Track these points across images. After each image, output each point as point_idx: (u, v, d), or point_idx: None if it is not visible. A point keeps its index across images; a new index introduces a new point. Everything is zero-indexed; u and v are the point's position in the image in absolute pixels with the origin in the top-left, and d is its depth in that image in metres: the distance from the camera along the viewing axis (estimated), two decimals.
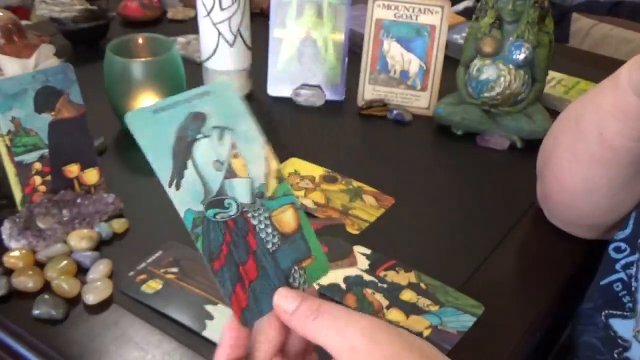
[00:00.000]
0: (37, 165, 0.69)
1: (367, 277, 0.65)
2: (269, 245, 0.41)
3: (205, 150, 0.41)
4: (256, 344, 0.39)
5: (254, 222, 0.41)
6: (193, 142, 0.41)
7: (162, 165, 0.40)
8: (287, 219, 0.42)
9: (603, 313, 0.60)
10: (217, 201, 0.41)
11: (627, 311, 0.59)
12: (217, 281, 0.40)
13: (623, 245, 0.61)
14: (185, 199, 0.40)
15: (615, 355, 0.59)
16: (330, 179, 0.80)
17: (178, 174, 0.40)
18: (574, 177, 0.66)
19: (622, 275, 0.60)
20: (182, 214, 0.40)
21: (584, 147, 0.63)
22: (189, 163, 0.40)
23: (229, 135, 0.42)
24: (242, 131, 0.42)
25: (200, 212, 0.40)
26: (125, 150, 0.86)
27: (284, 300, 0.39)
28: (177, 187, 0.40)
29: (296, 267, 0.42)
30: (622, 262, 0.60)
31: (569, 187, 0.67)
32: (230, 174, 0.41)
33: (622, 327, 0.59)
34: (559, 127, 0.69)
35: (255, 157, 0.42)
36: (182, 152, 0.40)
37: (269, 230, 0.42)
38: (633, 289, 0.58)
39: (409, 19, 0.93)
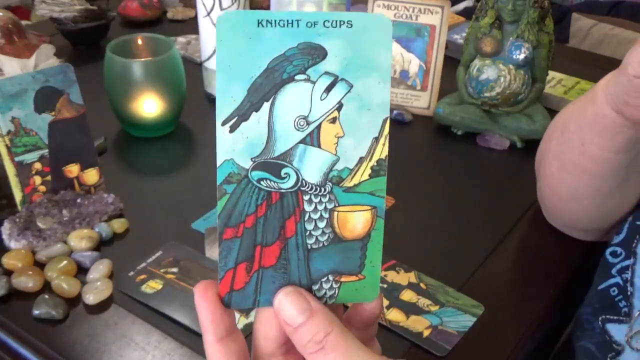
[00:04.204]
0: (37, 165, 0.69)
1: None
2: (311, 241, 0.32)
3: (296, 98, 0.31)
4: (256, 335, 0.33)
5: (308, 207, 0.32)
6: (287, 81, 0.30)
7: (228, 96, 0.30)
8: (355, 222, 0.33)
9: (600, 318, 0.60)
10: (273, 165, 0.31)
11: (623, 316, 0.58)
12: (220, 250, 0.32)
13: (619, 249, 0.61)
14: (234, 147, 0.31)
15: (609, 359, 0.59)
16: None
17: (243, 114, 0.30)
18: (562, 184, 0.66)
19: (618, 279, 0.60)
20: (219, 162, 0.31)
21: (569, 156, 0.64)
22: (265, 106, 0.30)
23: (342, 90, 0.31)
24: (364, 92, 0.31)
25: (243, 168, 0.31)
26: (125, 150, 0.86)
27: (289, 306, 0.31)
28: (232, 129, 0.30)
29: (330, 277, 0.33)
30: (618, 266, 0.60)
31: (558, 194, 0.68)
32: (313, 140, 0.31)
33: (618, 331, 0.59)
34: (550, 133, 0.70)
35: (361, 132, 0.31)
36: (265, 89, 0.30)
37: (322, 225, 0.32)
38: (629, 293, 0.58)
39: (409, 19, 0.93)
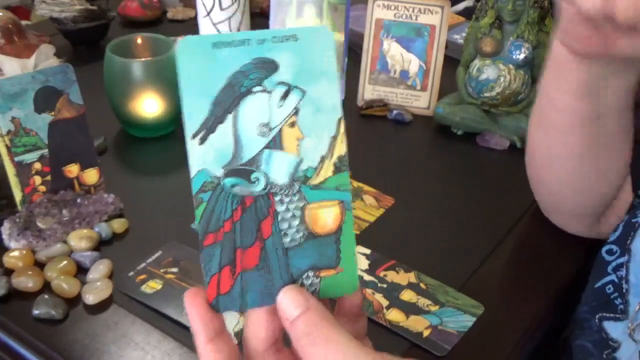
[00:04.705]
0: (37, 165, 0.69)
1: (367, 277, 0.65)
2: (287, 240, 0.35)
3: (256, 108, 0.34)
4: (246, 335, 0.35)
5: (279, 208, 0.34)
6: (246, 94, 0.34)
7: (194, 111, 0.33)
8: (326, 217, 0.35)
9: (597, 316, 0.60)
10: (243, 171, 0.34)
11: (619, 313, 0.58)
12: (202, 256, 0.34)
13: (614, 247, 0.61)
14: (205, 158, 0.33)
15: (604, 356, 0.59)
16: None
17: (210, 127, 0.33)
18: (537, 146, 0.67)
19: (613, 277, 0.60)
20: (193, 173, 0.33)
21: (539, 113, 0.64)
22: (229, 117, 0.34)
23: (296, 97, 0.34)
24: (317, 96, 0.34)
25: (216, 177, 0.34)
26: (125, 150, 0.86)
27: (288, 301, 0.33)
28: (202, 141, 0.33)
29: (310, 274, 0.35)
30: (613, 264, 0.60)
31: (535, 158, 0.68)
32: (276, 144, 0.34)
33: (614, 329, 0.59)
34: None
35: (319, 133, 0.34)
36: (226, 103, 0.34)
37: (295, 223, 0.35)
38: (624, 290, 0.58)
39: (409, 19, 0.93)
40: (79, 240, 0.66)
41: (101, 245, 0.68)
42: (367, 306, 0.62)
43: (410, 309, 0.61)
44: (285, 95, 0.34)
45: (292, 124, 0.34)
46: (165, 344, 0.58)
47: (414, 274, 0.66)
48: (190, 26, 1.20)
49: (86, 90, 0.72)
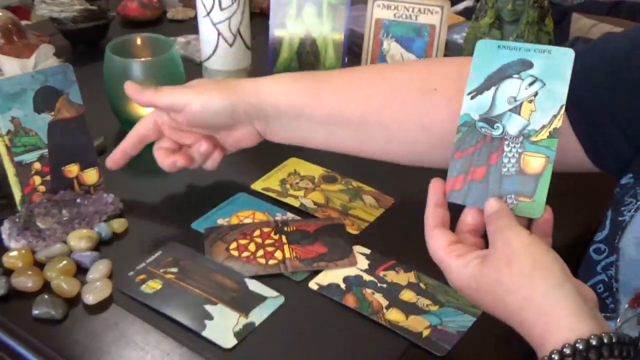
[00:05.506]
0: (37, 165, 0.69)
1: (367, 277, 0.65)
2: (504, 169, 0.53)
3: (511, 86, 0.53)
4: (459, 221, 0.54)
5: (506, 148, 0.53)
6: (508, 77, 0.53)
7: (474, 80, 0.54)
8: (534, 163, 0.52)
9: None
10: (490, 120, 0.54)
11: (609, 312, 0.59)
12: (451, 164, 0.54)
13: (602, 246, 0.61)
14: (471, 107, 0.54)
15: None
16: (330, 179, 0.80)
17: (480, 90, 0.54)
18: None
19: (603, 276, 0.60)
20: (462, 113, 0.54)
21: None
22: (493, 88, 0.54)
23: (538, 86, 0.53)
24: (552, 89, 0.52)
25: (474, 120, 0.54)
26: None
27: (492, 206, 0.52)
28: (473, 97, 0.54)
29: (512, 196, 0.52)
30: (602, 263, 0.60)
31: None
32: (516, 110, 0.53)
33: None
34: None
35: (546, 111, 0.52)
36: (495, 79, 0.54)
37: (513, 161, 0.53)
38: (614, 289, 0.59)
39: (409, 18, 0.93)
40: (79, 240, 0.66)
41: (101, 245, 0.68)
42: (366, 307, 0.62)
43: (410, 309, 0.61)
44: (531, 83, 0.53)
45: (530, 101, 0.53)
46: (165, 344, 0.58)
47: (414, 273, 0.66)
48: (190, 26, 1.20)
49: (86, 90, 0.72)
